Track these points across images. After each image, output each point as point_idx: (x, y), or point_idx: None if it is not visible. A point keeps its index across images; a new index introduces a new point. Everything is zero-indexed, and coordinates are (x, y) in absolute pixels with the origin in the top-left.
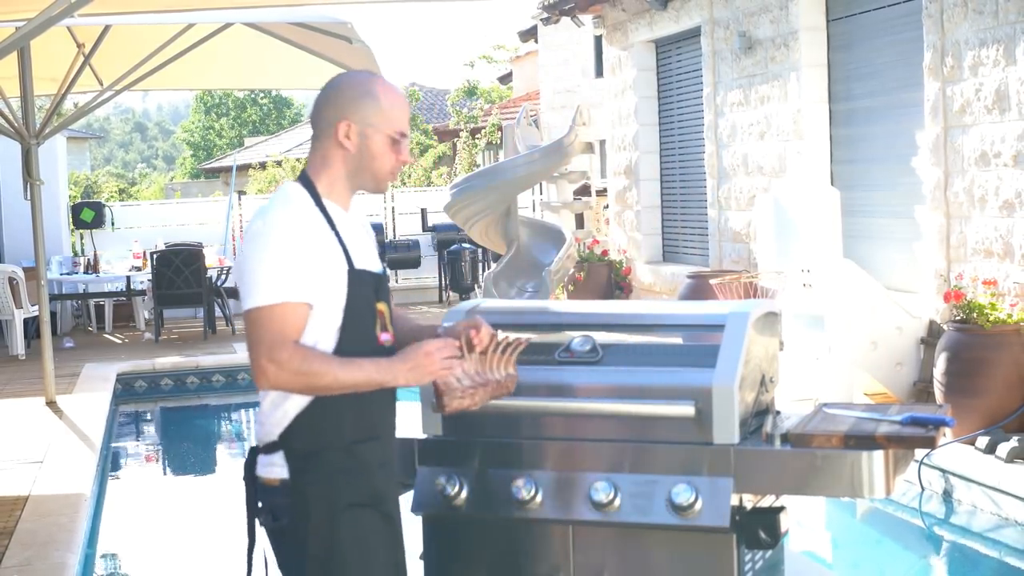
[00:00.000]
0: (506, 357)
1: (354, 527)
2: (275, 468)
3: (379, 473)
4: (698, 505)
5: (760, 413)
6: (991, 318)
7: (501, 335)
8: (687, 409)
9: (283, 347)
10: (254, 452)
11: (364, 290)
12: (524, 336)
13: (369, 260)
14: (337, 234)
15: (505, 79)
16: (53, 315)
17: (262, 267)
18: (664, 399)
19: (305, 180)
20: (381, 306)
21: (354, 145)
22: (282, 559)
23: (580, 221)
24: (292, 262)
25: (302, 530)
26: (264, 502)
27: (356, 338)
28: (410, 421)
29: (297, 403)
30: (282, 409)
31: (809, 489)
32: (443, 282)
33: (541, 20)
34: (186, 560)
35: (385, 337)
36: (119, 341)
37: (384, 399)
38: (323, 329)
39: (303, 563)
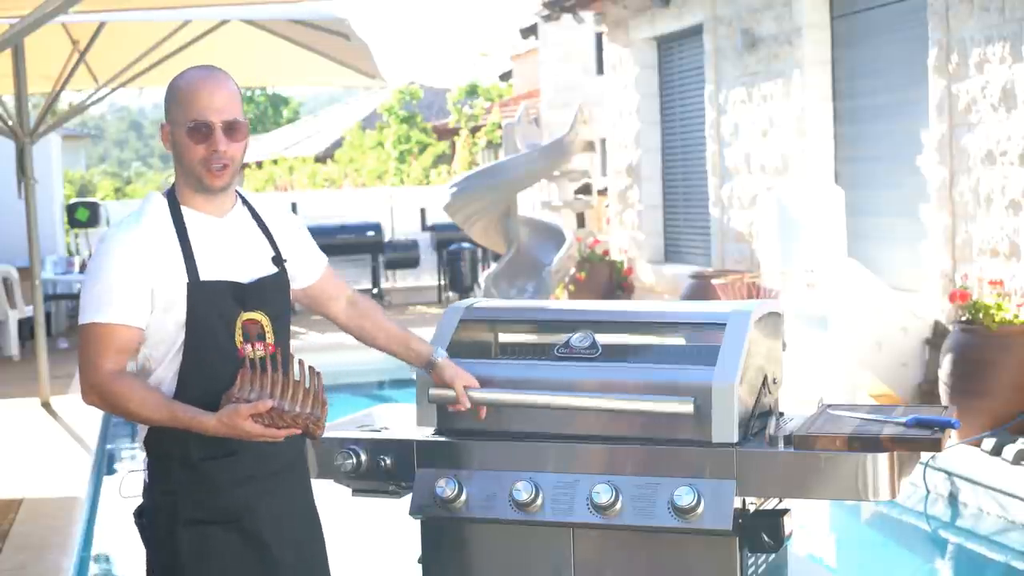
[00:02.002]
0: (308, 395)
1: (196, 543)
2: (144, 470)
3: (235, 490)
4: (700, 508)
5: (763, 414)
6: (997, 318)
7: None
8: (686, 406)
9: (97, 370)
10: None
11: (214, 302)
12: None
13: (234, 269)
14: (186, 246)
15: (505, 77)
16: (48, 315)
17: (93, 285)
18: (663, 395)
19: (170, 189)
20: (253, 315)
21: (170, 146)
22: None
23: (581, 220)
24: (121, 283)
25: (151, 537)
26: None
27: (205, 353)
28: (409, 422)
29: None
30: None
31: (813, 492)
32: (442, 282)
33: (542, 17)
34: None
35: (254, 348)
36: None
37: None
38: (164, 347)
39: (151, 568)
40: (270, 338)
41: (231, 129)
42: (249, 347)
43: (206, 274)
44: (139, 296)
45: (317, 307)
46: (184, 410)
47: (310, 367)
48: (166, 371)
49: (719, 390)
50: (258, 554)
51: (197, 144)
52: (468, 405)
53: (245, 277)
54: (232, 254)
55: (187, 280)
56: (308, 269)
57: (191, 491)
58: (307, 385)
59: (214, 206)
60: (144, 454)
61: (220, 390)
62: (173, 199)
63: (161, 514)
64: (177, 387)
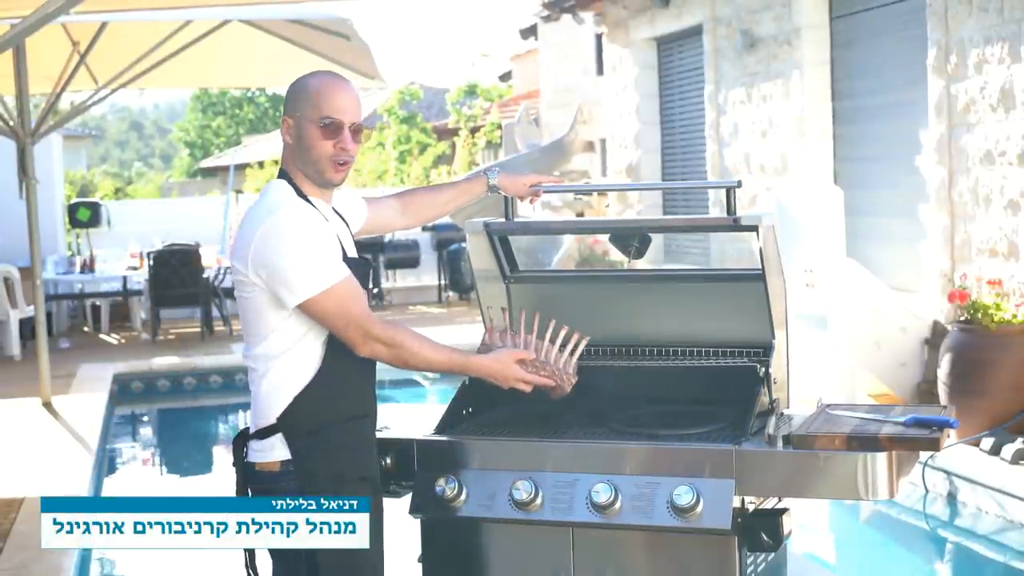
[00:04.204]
0: (566, 355)
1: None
2: (273, 451)
3: (372, 450)
4: (699, 507)
5: (763, 414)
6: (996, 318)
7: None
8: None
9: (371, 320)
10: (244, 438)
11: (357, 276)
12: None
13: (352, 248)
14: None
15: (505, 77)
16: (49, 315)
17: (306, 256)
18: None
19: (285, 177)
20: None
21: (292, 138)
22: None
23: None
24: (326, 246)
25: None
26: (260, 486)
27: None
28: (407, 421)
29: (297, 384)
30: (281, 391)
31: (812, 491)
32: (442, 282)
33: (542, 18)
34: (182, 563)
35: None
36: (115, 342)
37: (372, 378)
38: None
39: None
40: None
41: (356, 131)
42: None
43: (347, 251)
44: (337, 255)
45: (380, 231)
46: (456, 350)
47: (574, 332)
48: (317, 339)
49: None
50: (380, 512)
51: (326, 140)
52: (541, 194)
53: (355, 256)
54: (346, 235)
55: (343, 254)
56: (359, 216)
57: (350, 450)
58: (559, 348)
59: (325, 197)
60: (269, 435)
61: (355, 356)
62: (293, 185)
63: (324, 479)
64: (326, 353)
